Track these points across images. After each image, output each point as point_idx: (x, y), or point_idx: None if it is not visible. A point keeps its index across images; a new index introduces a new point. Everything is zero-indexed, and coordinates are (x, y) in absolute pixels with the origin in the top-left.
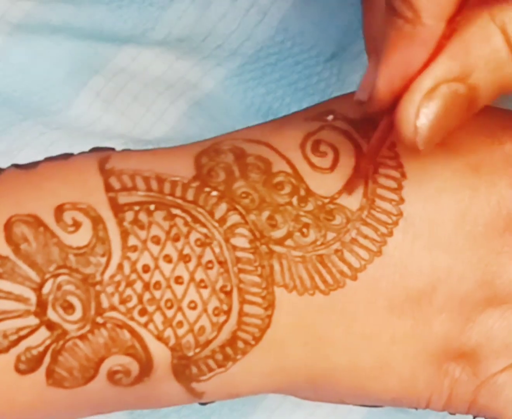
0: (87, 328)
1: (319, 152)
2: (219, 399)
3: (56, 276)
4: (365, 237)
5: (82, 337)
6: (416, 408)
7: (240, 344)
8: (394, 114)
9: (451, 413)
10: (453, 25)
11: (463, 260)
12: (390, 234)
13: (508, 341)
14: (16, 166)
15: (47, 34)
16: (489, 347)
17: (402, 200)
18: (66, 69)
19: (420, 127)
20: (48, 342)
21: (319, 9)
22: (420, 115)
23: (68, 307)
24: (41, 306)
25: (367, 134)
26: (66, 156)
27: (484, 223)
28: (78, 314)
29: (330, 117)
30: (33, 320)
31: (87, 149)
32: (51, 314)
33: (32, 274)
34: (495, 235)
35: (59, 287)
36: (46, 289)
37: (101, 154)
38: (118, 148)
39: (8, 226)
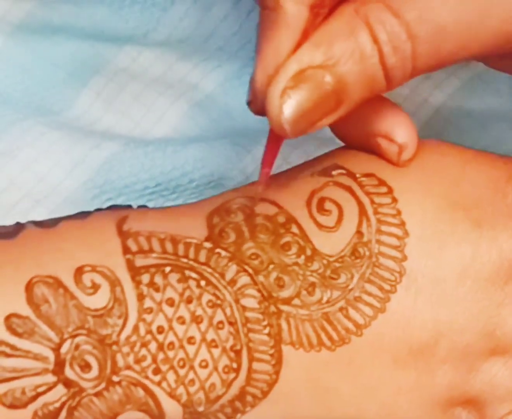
0: (103, 385)
1: (324, 210)
2: None
3: (74, 336)
4: (369, 294)
5: (97, 394)
6: None
7: (249, 398)
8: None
9: None
10: (318, 15)
11: (464, 313)
12: (394, 291)
13: (511, 388)
14: (35, 223)
15: (48, 34)
16: (493, 394)
17: (405, 257)
18: (67, 70)
19: (285, 108)
20: (64, 398)
21: None
22: (285, 96)
23: (85, 366)
24: (59, 365)
25: (369, 189)
26: (84, 214)
27: (486, 278)
28: (94, 372)
29: (335, 172)
30: (50, 378)
31: (87, 148)
32: (68, 372)
33: (52, 334)
34: (496, 288)
35: (77, 347)
36: (64, 348)
37: (119, 213)
38: (119, 148)
39: (29, 287)
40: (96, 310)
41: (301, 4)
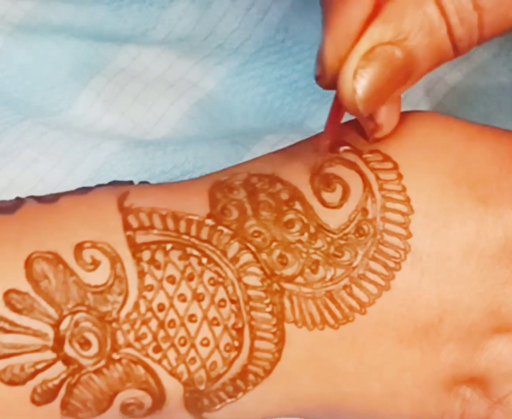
0: (103, 363)
1: (329, 187)
2: None
3: (74, 313)
4: (374, 272)
5: (97, 372)
6: None
7: (251, 377)
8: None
9: None
10: None
11: (470, 292)
12: (398, 268)
13: None
14: (35, 198)
15: (48, 34)
16: (498, 371)
17: (410, 234)
18: (67, 70)
19: (358, 88)
20: (63, 375)
21: (319, 8)
22: (357, 76)
23: (85, 343)
24: (59, 341)
25: (374, 165)
26: (85, 190)
27: (491, 255)
28: (94, 349)
29: (342, 149)
30: (50, 355)
31: (87, 148)
32: (68, 349)
33: (51, 310)
34: (501, 266)
35: (76, 324)
36: (63, 325)
37: (120, 189)
38: (118, 148)
39: (28, 262)
40: (96, 286)
41: None
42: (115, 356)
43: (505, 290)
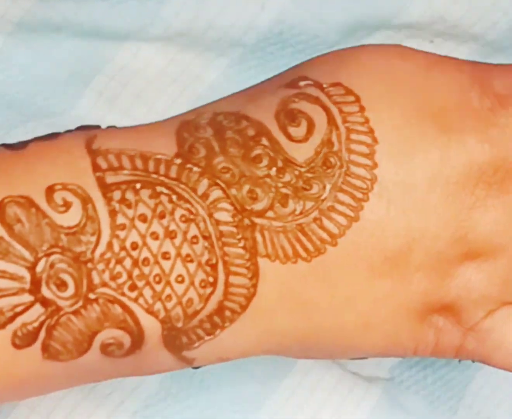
0: (80, 303)
1: (294, 121)
2: (209, 363)
3: (49, 255)
4: (342, 203)
5: (75, 313)
6: (403, 357)
7: (228, 313)
8: None
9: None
10: None
11: (436, 219)
12: (366, 199)
13: (486, 292)
14: (5, 146)
15: (48, 33)
16: (468, 298)
17: (375, 164)
18: (68, 69)
19: None
20: (42, 318)
21: (318, 0)
22: None
23: (61, 285)
24: (35, 284)
25: (337, 98)
26: (54, 135)
27: (455, 182)
28: (70, 290)
29: (302, 83)
30: (27, 298)
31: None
32: (45, 292)
33: (26, 253)
34: (466, 192)
35: (52, 265)
36: (39, 267)
37: (88, 133)
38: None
39: (1, 207)
40: (69, 227)
41: None
42: (92, 296)
43: (471, 216)
